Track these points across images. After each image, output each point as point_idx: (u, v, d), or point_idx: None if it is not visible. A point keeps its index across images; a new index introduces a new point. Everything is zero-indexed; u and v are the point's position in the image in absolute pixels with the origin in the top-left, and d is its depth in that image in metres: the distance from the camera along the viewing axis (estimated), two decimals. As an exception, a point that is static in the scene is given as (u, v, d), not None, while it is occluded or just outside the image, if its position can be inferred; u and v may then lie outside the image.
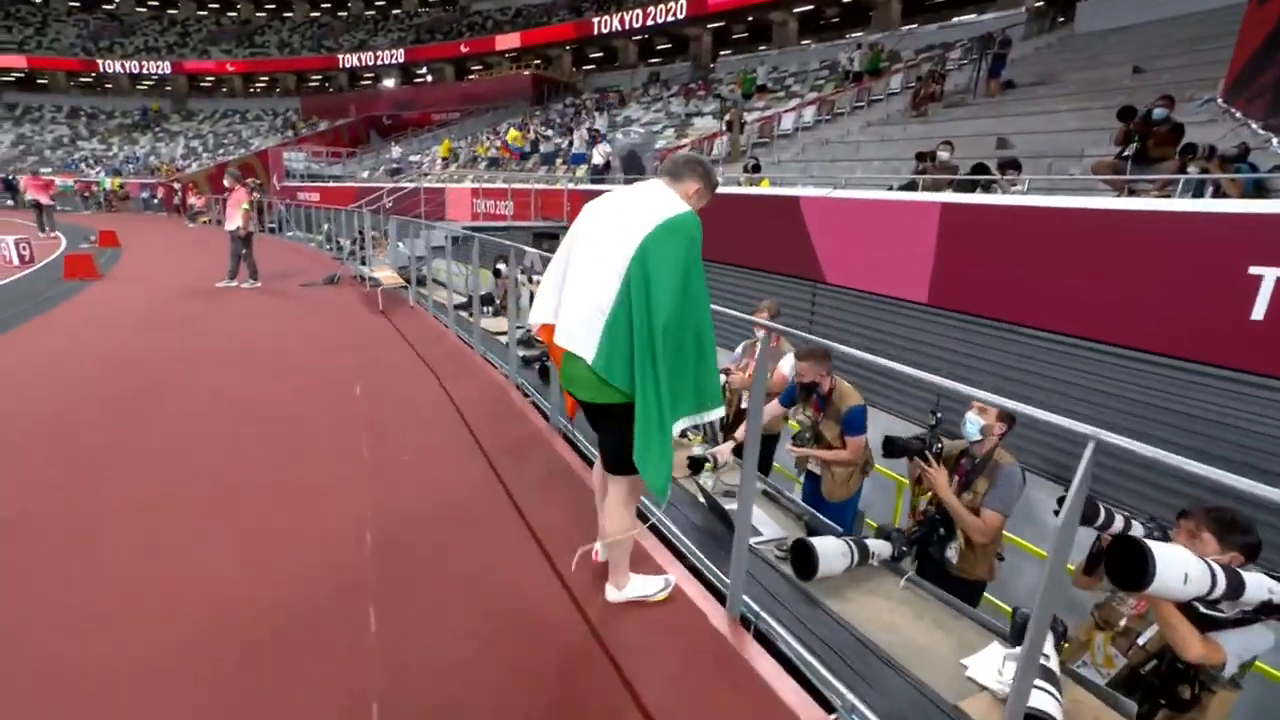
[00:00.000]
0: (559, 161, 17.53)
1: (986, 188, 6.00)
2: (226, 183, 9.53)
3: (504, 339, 5.91)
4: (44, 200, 15.36)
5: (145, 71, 38.36)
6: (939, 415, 3.05)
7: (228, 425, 4.15)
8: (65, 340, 6.07)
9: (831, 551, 2.67)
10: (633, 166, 11.90)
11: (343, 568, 2.63)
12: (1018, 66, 12.68)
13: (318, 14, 40.51)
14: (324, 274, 9.99)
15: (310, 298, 8.63)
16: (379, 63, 36.04)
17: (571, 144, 17.23)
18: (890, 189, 7.12)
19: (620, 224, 2.09)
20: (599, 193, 8.40)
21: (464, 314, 6.95)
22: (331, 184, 21.68)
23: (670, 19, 27.23)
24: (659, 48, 32.23)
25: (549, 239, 12.28)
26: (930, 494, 3.00)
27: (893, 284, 5.71)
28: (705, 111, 19.21)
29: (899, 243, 5.63)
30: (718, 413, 2.14)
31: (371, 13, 39.55)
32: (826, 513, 3.49)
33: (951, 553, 2.93)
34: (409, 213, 12.95)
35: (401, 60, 35.75)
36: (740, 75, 19.36)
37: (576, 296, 2.15)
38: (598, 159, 13.04)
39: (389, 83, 36.09)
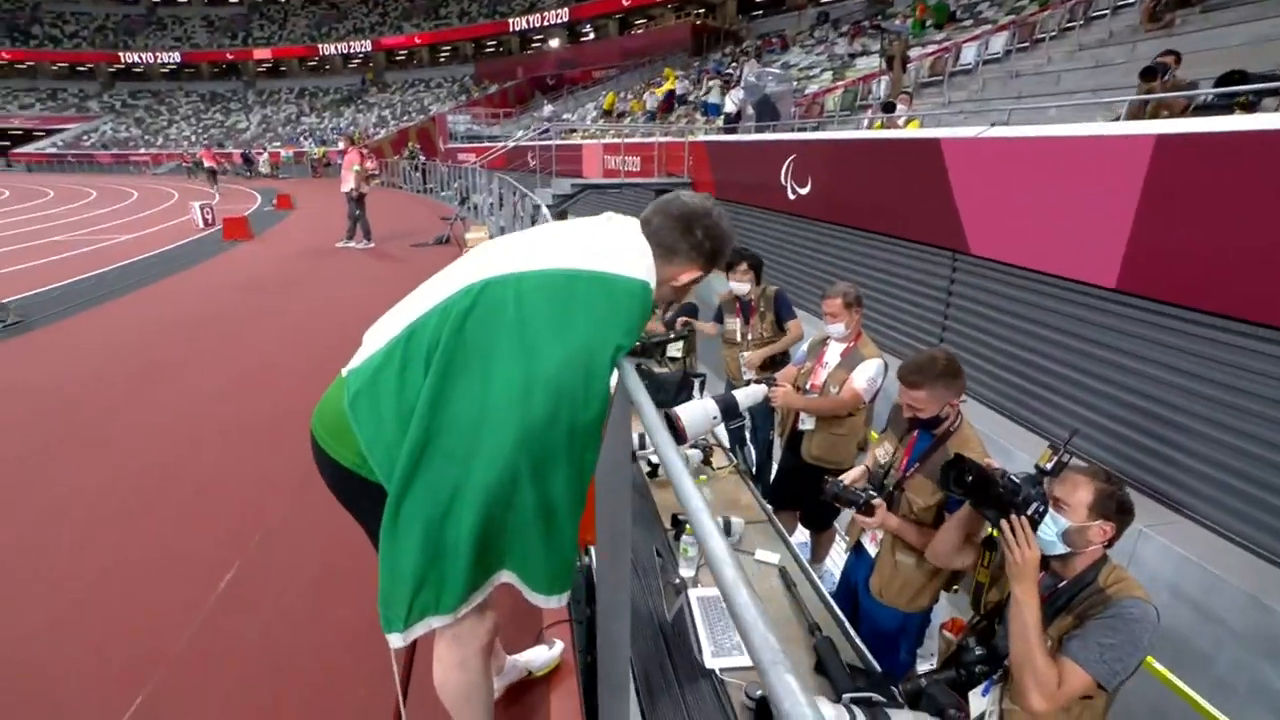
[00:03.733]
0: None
1: (1250, 108, 3.93)
2: (340, 145, 9.79)
3: None
4: (214, 166, 19.97)
5: (353, 51, 42.76)
6: (1068, 446, 1.58)
7: (198, 418, 3.77)
8: (169, 302, 6.43)
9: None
10: (766, 114, 10.38)
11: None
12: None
13: (498, -20, 42.09)
14: (435, 234, 10.00)
15: (409, 259, 8.58)
16: (545, 24, 36.54)
17: (710, 92, 15.83)
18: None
19: (519, 250, 1.20)
20: (725, 145, 7.23)
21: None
22: (488, 144, 22.33)
23: (845, -55, 24.00)
24: (833, -18, 28.79)
25: (671, 198, 11.32)
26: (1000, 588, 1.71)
27: (1065, 259, 3.99)
28: (873, 50, 16.62)
29: (1080, 200, 3.89)
30: (553, 600, 1.22)
31: (543, -27, 40.17)
32: (869, 627, 2.29)
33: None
34: (551, 168, 12.64)
35: (566, 19, 35.92)
36: (922, 3, 16.40)
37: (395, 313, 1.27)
38: (729, 106, 11.61)
39: (554, 43, 36.56)
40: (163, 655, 1.94)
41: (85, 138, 40.32)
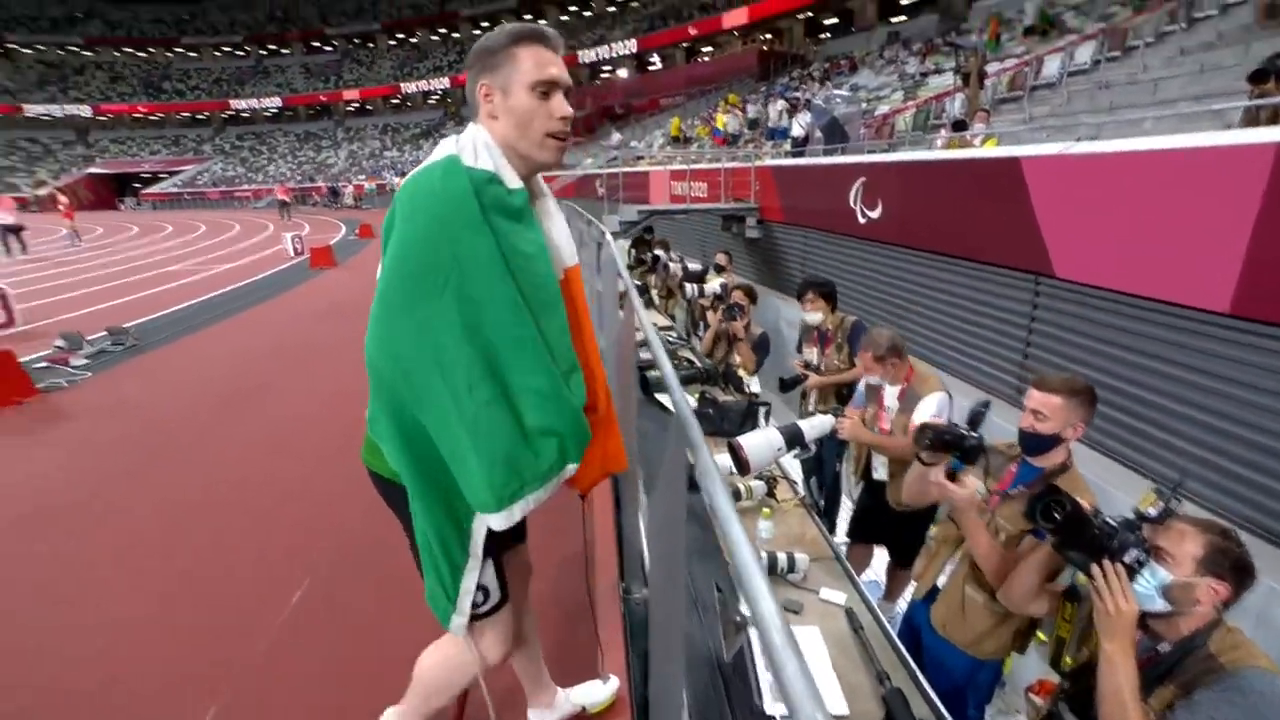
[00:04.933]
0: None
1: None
2: None
3: (662, 332, 5.14)
4: (286, 199, 21.49)
5: (432, 88, 45.32)
6: (1178, 491, 1.42)
7: (279, 440, 3.99)
8: (259, 328, 6.90)
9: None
10: (835, 137, 10.21)
11: None
12: None
13: (566, 17, 43.72)
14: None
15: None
16: (614, 54, 37.57)
17: (781, 116, 15.76)
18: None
19: None
20: (792, 169, 7.18)
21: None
22: (558, 173, 22.92)
23: (917, -37, 23.60)
24: (903, 2, 28.32)
25: (737, 222, 11.27)
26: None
27: (1168, 282, 3.67)
28: (946, 68, 16.17)
29: (1184, 217, 3.58)
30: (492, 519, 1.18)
31: (611, 8, 41.42)
32: (934, 672, 2.12)
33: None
34: (619, 196, 12.92)
35: (634, 50, 36.82)
36: (995, 18, 15.84)
37: None
38: (796, 130, 11.50)
39: (622, 73, 37.52)
40: (237, 665, 2.02)
41: (199, 177, 44.34)
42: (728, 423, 3.86)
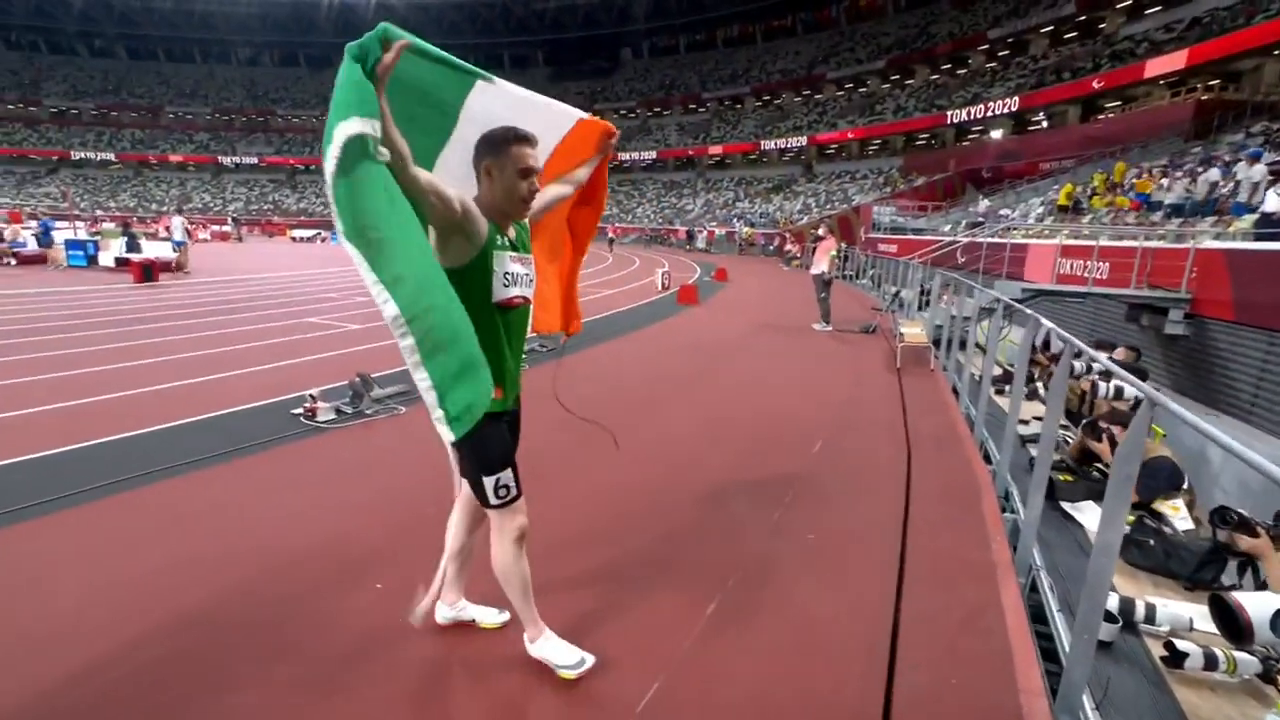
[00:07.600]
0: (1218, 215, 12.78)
1: None
2: (820, 231, 10.75)
3: (1022, 429, 4.67)
4: (614, 237, 25.39)
5: (789, 146, 47.68)
6: None
7: (677, 459, 4.35)
8: (646, 351, 8.03)
9: None
10: (1340, 216, 7.68)
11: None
12: None
13: (936, 76, 41.89)
14: (862, 323, 10.18)
15: (841, 344, 8.90)
16: (989, 114, 34.47)
17: (1237, 187, 12.49)
18: None
19: None
20: (1259, 255, 5.84)
21: (993, 390, 5.79)
22: (911, 236, 22.01)
23: None
24: None
25: (1151, 313, 9.29)
26: None
27: None
28: None
29: None
30: None
31: (992, 64, 38.30)
32: None
33: None
34: (992, 269, 11.97)
35: (1015, 108, 33.32)
36: None
37: None
38: (1271, 204, 8.94)
39: (996, 133, 34.26)
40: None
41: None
42: (1176, 562, 3.19)
